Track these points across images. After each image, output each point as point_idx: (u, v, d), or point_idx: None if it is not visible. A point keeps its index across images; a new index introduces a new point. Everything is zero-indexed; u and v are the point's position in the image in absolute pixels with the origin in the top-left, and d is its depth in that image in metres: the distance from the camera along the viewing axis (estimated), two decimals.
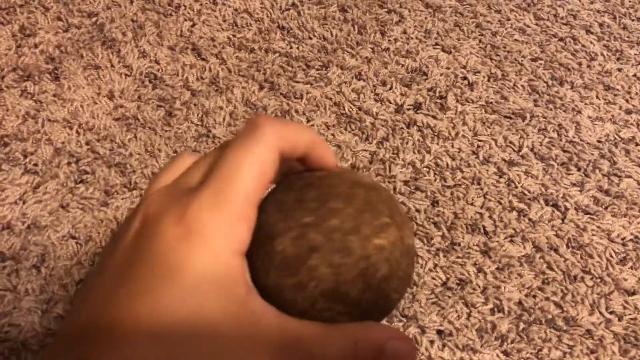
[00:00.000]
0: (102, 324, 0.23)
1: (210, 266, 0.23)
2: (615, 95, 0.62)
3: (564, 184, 0.55)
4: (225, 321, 0.23)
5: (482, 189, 0.55)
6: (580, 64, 0.65)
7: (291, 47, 0.66)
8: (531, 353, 0.47)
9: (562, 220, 0.53)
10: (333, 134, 0.59)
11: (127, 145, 0.58)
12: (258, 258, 0.26)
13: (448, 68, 0.64)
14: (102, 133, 0.59)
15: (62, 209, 0.54)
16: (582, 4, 0.71)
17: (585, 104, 0.61)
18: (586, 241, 0.52)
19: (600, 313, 0.49)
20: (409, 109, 0.61)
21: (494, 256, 0.51)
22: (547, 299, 0.49)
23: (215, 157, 0.27)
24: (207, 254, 0.23)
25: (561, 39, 0.67)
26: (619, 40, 0.67)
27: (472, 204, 0.54)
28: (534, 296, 0.49)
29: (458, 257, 0.51)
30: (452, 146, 0.58)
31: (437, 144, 0.58)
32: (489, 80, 0.63)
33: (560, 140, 0.59)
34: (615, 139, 0.59)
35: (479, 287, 0.50)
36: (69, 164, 0.56)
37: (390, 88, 0.62)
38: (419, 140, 0.58)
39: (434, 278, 0.50)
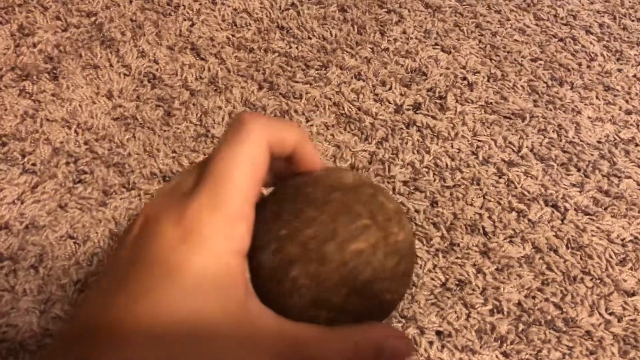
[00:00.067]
0: (102, 324, 0.23)
1: (210, 267, 0.23)
2: (615, 95, 0.62)
3: (564, 184, 0.55)
4: (224, 322, 0.23)
5: (481, 190, 0.55)
6: (580, 64, 0.65)
7: (290, 47, 0.66)
8: (530, 354, 0.47)
9: (562, 221, 0.53)
10: (332, 134, 0.58)
11: (125, 145, 0.57)
12: (250, 266, 0.26)
13: (448, 68, 0.64)
14: (100, 133, 0.58)
15: (61, 209, 0.53)
16: (582, 5, 0.71)
17: (585, 104, 0.61)
18: (586, 242, 0.52)
19: (600, 314, 0.49)
20: (408, 109, 0.61)
21: (494, 257, 0.51)
22: (546, 300, 0.49)
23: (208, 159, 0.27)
24: (206, 254, 0.23)
25: (561, 40, 0.67)
26: (618, 41, 0.67)
27: (471, 205, 0.54)
28: (534, 297, 0.49)
29: (457, 258, 0.51)
30: (452, 146, 0.58)
31: (437, 144, 0.58)
32: (488, 81, 0.63)
33: (560, 140, 0.58)
34: (615, 139, 0.59)
35: (478, 287, 0.50)
36: (67, 163, 0.56)
37: (390, 88, 0.62)
38: (418, 140, 0.58)
39: (433, 279, 0.50)
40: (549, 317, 0.48)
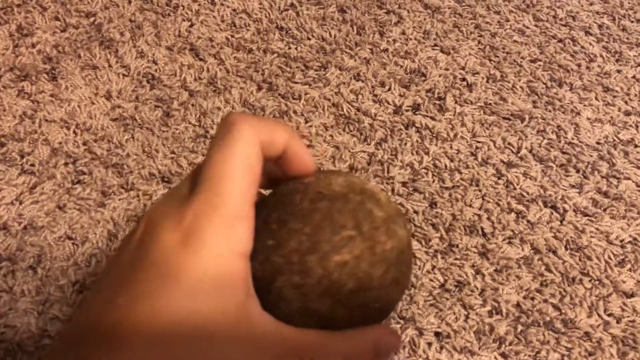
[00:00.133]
0: (102, 326, 0.23)
1: (210, 268, 0.23)
2: (614, 96, 0.62)
3: (563, 185, 0.55)
4: (224, 323, 0.23)
5: (480, 191, 0.55)
6: (579, 65, 0.65)
7: (289, 48, 0.66)
8: (529, 355, 0.47)
9: (561, 222, 0.53)
10: (331, 135, 0.58)
11: (124, 145, 0.57)
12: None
13: (447, 69, 0.64)
14: (99, 133, 0.58)
15: (59, 210, 0.53)
16: (582, 6, 0.71)
17: (584, 105, 0.61)
18: (585, 243, 0.52)
19: (599, 315, 0.49)
20: (407, 110, 0.61)
21: (492, 258, 0.51)
22: (545, 301, 0.49)
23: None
24: (206, 256, 0.23)
25: (560, 40, 0.67)
26: (618, 42, 0.67)
27: (470, 206, 0.54)
28: (532, 298, 0.49)
29: (456, 259, 0.51)
30: (451, 147, 0.58)
31: (436, 145, 0.58)
32: (487, 82, 0.63)
33: (559, 141, 0.58)
34: (614, 140, 0.59)
35: (477, 289, 0.50)
36: (66, 164, 0.56)
37: (389, 89, 0.62)
38: (417, 141, 0.58)
39: (432, 280, 0.50)
40: (548, 318, 0.48)
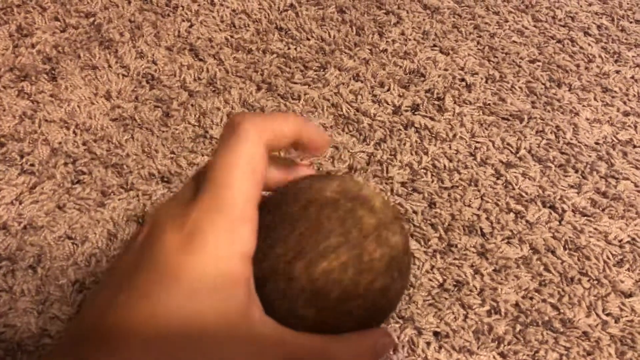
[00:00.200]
0: (102, 327, 0.23)
1: (210, 270, 0.23)
2: (613, 97, 0.62)
3: (562, 185, 0.55)
4: (223, 325, 0.23)
5: (479, 191, 0.55)
6: (578, 65, 0.65)
7: (289, 48, 0.66)
8: (528, 355, 0.47)
9: (560, 222, 0.53)
10: (331, 135, 0.58)
11: (124, 145, 0.58)
12: None
13: (446, 69, 0.64)
14: (99, 133, 0.58)
15: (59, 210, 0.53)
16: (580, 6, 0.71)
17: (583, 105, 0.61)
18: (583, 243, 0.52)
19: (597, 315, 0.49)
20: (406, 111, 0.61)
21: (491, 258, 0.51)
22: (544, 300, 0.49)
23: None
24: (207, 259, 0.23)
25: (559, 41, 0.67)
26: (617, 43, 0.67)
27: (469, 206, 0.54)
28: (531, 298, 0.49)
29: (455, 259, 0.51)
30: (450, 148, 0.58)
31: (435, 145, 0.58)
32: (486, 82, 0.63)
33: (558, 142, 0.59)
34: (613, 141, 0.59)
35: (476, 288, 0.50)
36: (65, 164, 0.56)
37: (388, 89, 0.62)
38: (416, 141, 0.58)
39: (430, 280, 0.50)
40: (547, 318, 0.48)
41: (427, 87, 0.62)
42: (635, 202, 0.55)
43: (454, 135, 0.59)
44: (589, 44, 0.67)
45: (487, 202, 0.54)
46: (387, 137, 0.58)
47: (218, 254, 0.24)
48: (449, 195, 0.55)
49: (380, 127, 0.59)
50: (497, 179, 0.56)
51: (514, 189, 0.55)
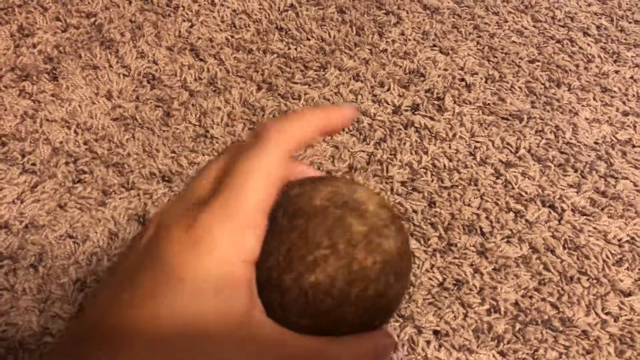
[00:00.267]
0: (104, 326, 0.23)
1: (214, 273, 0.24)
2: (612, 97, 0.63)
3: (561, 185, 0.56)
4: (225, 326, 0.24)
5: (479, 190, 0.55)
6: (577, 66, 0.65)
7: (289, 48, 0.66)
8: (527, 353, 0.47)
9: (559, 221, 0.53)
10: (331, 135, 0.59)
11: (125, 145, 0.58)
12: None
13: (446, 69, 0.64)
14: (100, 133, 0.59)
15: (60, 209, 0.54)
16: (580, 7, 0.71)
17: (583, 105, 0.62)
18: (582, 242, 0.52)
19: (596, 314, 0.49)
20: (406, 110, 0.61)
21: (491, 257, 0.51)
22: (543, 299, 0.49)
23: (224, 164, 0.27)
24: (212, 261, 0.24)
25: (559, 41, 0.67)
26: (616, 43, 0.67)
27: (469, 205, 0.54)
28: (531, 297, 0.49)
29: (455, 258, 0.51)
30: (450, 147, 0.58)
31: (435, 145, 0.58)
32: (486, 82, 0.63)
33: (557, 141, 0.59)
34: (612, 140, 0.59)
35: (476, 287, 0.50)
36: (67, 163, 0.56)
37: (388, 89, 0.62)
38: (416, 141, 0.58)
39: (430, 278, 0.50)
40: (546, 317, 0.48)
41: (427, 87, 0.63)
42: (635, 202, 0.55)
43: (454, 135, 0.59)
44: (588, 44, 0.67)
45: (487, 201, 0.54)
46: (387, 136, 0.59)
47: (222, 257, 0.24)
48: (449, 194, 0.55)
49: (380, 126, 0.59)
50: (497, 178, 0.56)
51: (513, 188, 0.55)
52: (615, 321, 0.49)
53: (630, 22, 0.70)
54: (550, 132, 0.59)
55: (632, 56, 0.66)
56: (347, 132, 0.59)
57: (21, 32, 0.66)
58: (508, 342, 0.47)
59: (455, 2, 0.71)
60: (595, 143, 0.59)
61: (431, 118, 0.60)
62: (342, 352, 0.27)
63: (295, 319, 0.26)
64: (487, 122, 0.60)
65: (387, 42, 0.67)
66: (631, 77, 0.64)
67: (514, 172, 0.56)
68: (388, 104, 0.61)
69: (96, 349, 0.23)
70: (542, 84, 0.63)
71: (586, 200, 0.55)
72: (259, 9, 0.70)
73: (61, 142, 0.58)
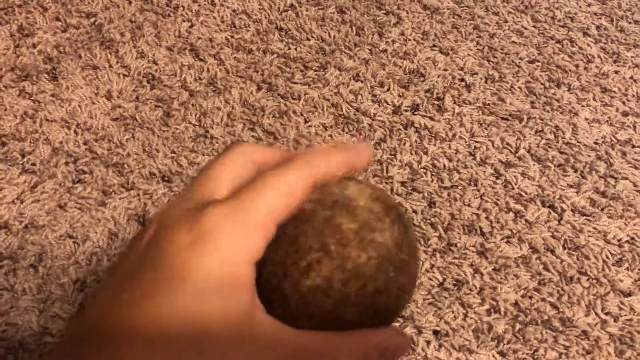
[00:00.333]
0: (105, 326, 0.23)
1: (215, 273, 0.23)
2: (612, 97, 0.63)
3: (561, 185, 0.56)
4: (226, 327, 0.23)
5: (479, 190, 0.55)
6: (577, 66, 0.65)
7: (289, 48, 0.66)
8: (527, 354, 0.47)
9: (559, 221, 0.54)
10: (331, 135, 0.59)
11: (124, 145, 0.58)
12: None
13: (445, 70, 0.64)
14: (100, 133, 0.59)
15: (60, 209, 0.54)
16: (580, 7, 0.71)
17: (582, 106, 0.62)
18: (582, 242, 0.52)
19: (596, 314, 0.49)
20: (406, 111, 0.61)
21: (491, 257, 0.51)
22: (543, 299, 0.49)
23: (235, 165, 0.27)
24: (214, 260, 0.24)
25: (558, 41, 0.67)
26: (615, 43, 0.67)
27: (469, 205, 0.54)
28: (530, 297, 0.49)
29: (455, 258, 0.51)
30: (449, 147, 0.58)
31: (435, 145, 0.58)
32: (486, 82, 0.63)
33: (557, 141, 0.59)
34: (612, 140, 0.59)
35: (476, 287, 0.50)
36: (66, 163, 0.56)
37: (388, 89, 0.62)
38: (416, 141, 0.58)
39: (430, 279, 0.50)
40: (546, 317, 0.48)
41: (426, 87, 0.63)
42: (634, 202, 0.55)
43: (454, 135, 0.59)
44: (588, 45, 0.67)
45: (487, 201, 0.54)
46: (387, 136, 0.59)
47: (225, 256, 0.24)
48: (449, 194, 0.55)
49: (380, 126, 0.59)
50: (497, 178, 0.56)
51: (513, 188, 0.55)
52: (615, 321, 0.49)
53: (630, 23, 0.70)
54: (550, 132, 0.59)
55: (632, 56, 0.66)
56: (347, 133, 0.59)
57: (21, 32, 0.66)
58: (508, 342, 0.47)
59: (455, 2, 0.71)
60: (595, 143, 0.59)
61: (431, 118, 0.60)
62: (346, 347, 0.26)
63: (297, 322, 0.26)
64: (487, 122, 0.60)
65: (387, 42, 0.67)
66: (631, 78, 0.64)
67: (514, 172, 0.56)
68: (388, 104, 0.61)
69: (96, 349, 0.23)
70: (542, 84, 0.63)
71: (586, 200, 0.55)
72: (259, 9, 0.70)
73: (61, 142, 0.58)
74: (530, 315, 0.49)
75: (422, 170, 0.56)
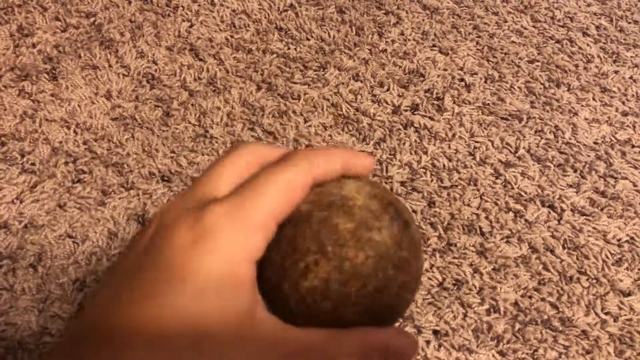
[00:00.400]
0: (104, 327, 0.23)
1: (216, 272, 0.23)
2: (611, 97, 0.63)
3: (560, 185, 0.56)
4: (227, 327, 0.23)
5: (478, 190, 0.55)
6: (577, 66, 0.65)
7: (289, 48, 0.66)
8: (527, 353, 0.47)
9: (558, 221, 0.54)
10: (330, 135, 0.59)
11: (124, 145, 0.58)
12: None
13: (445, 69, 0.64)
14: (99, 133, 0.59)
15: (59, 209, 0.54)
16: (579, 7, 0.71)
17: (582, 105, 0.62)
18: (582, 242, 0.52)
19: (596, 314, 0.49)
20: (406, 110, 0.61)
21: (490, 257, 0.51)
22: (543, 299, 0.49)
23: (238, 169, 0.27)
24: (215, 259, 0.23)
25: (558, 41, 0.67)
26: (615, 43, 0.68)
27: (468, 205, 0.54)
28: (530, 297, 0.49)
29: (454, 258, 0.51)
30: (449, 147, 0.58)
31: (434, 145, 0.58)
32: (486, 82, 0.63)
33: (557, 141, 0.59)
34: (612, 140, 0.59)
35: (475, 287, 0.50)
36: (66, 163, 0.56)
37: (388, 89, 0.62)
38: (416, 141, 0.58)
39: (430, 278, 0.50)
40: (546, 317, 0.48)
41: (426, 87, 0.63)
42: (634, 202, 0.55)
43: (453, 135, 0.59)
44: (588, 44, 0.67)
45: (486, 201, 0.54)
46: (386, 136, 0.59)
47: (225, 255, 0.24)
48: (448, 194, 0.55)
49: (380, 126, 0.59)
50: (496, 178, 0.56)
51: (513, 188, 0.55)
52: (614, 321, 0.49)
53: (629, 23, 0.70)
54: (549, 132, 0.59)
55: (632, 56, 0.66)
56: (346, 132, 0.59)
57: (21, 31, 0.66)
58: (507, 342, 0.47)
59: (455, 2, 0.71)
60: (595, 143, 0.59)
61: (431, 118, 0.60)
62: (345, 344, 0.26)
63: (297, 321, 0.26)
64: (487, 122, 0.60)
65: (386, 42, 0.67)
66: (630, 77, 0.64)
67: (514, 172, 0.56)
68: (387, 104, 0.61)
69: (96, 349, 0.23)
70: (542, 84, 0.63)
71: (585, 200, 0.55)
72: (259, 9, 0.70)
73: (60, 142, 0.58)
74: (530, 315, 0.49)
75: (421, 170, 0.56)
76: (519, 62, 0.65)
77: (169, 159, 0.57)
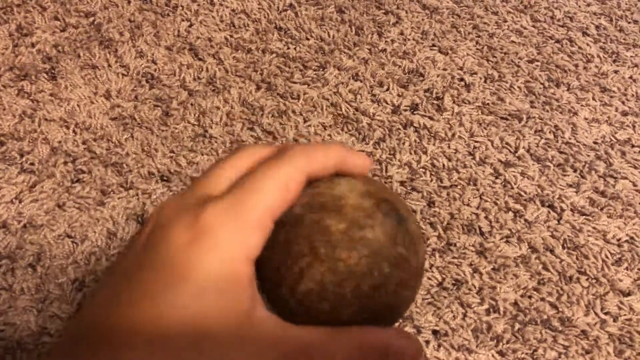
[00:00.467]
0: (103, 327, 0.23)
1: (216, 272, 0.23)
2: (611, 97, 0.63)
3: (560, 185, 0.56)
4: (226, 326, 0.23)
5: (478, 190, 0.55)
6: (576, 65, 0.65)
7: (288, 48, 0.66)
8: (526, 353, 0.47)
9: (558, 221, 0.53)
10: (330, 135, 0.59)
11: (123, 144, 0.58)
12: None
13: (445, 69, 0.64)
14: (98, 132, 0.59)
15: (59, 208, 0.54)
16: (579, 6, 0.71)
17: (582, 105, 0.62)
18: (582, 242, 0.52)
19: (596, 314, 0.49)
20: (405, 110, 0.61)
21: (490, 257, 0.51)
22: (542, 299, 0.49)
23: (236, 167, 0.27)
24: (213, 258, 0.23)
25: (558, 41, 0.67)
26: (615, 43, 0.67)
27: (468, 205, 0.54)
28: (530, 297, 0.49)
29: (454, 258, 0.51)
30: (449, 147, 0.58)
31: (434, 144, 0.58)
32: (485, 82, 0.63)
33: (557, 141, 0.59)
34: (611, 140, 0.59)
35: (475, 287, 0.50)
36: (65, 163, 0.56)
37: (387, 89, 0.62)
38: (415, 141, 0.58)
39: (429, 278, 0.50)
40: (545, 317, 0.48)
41: (426, 87, 0.63)
42: (634, 201, 0.55)
43: (453, 135, 0.59)
44: (588, 44, 0.67)
45: (486, 201, 0.54)
46: (386, 136, 0.59)
47: (225, 254, 0.24)
48: (448, 194, 0.55)
49: (380, 126, 0.59)
50: (496, 178, 0.56)
51: (512, 188, 0.55)
52: (614, 321, 0.49)
53: (629, 22, 0.70)
54: (549, 132, 0.59)
55: (631, 56, 0.66)
56: (346, 132, 0.59)
57: (20, 31, 0.66)
58: (507, 342, 0.47)
59: (455, 2, 0.71)
60: (595, 143, 0.59)
61: (430, 118, 0.60)
62: (346, 343, 0.26)
63: (296, 320, 0.26)
64: (486, 121, 0.60)
65: (386, 41, 0.67)
66: (630, 77, 0.64)
67: (513, 171, 0.56)
68: (387, 103, 0.61)
69: (95, 349, 0.23)
70: (542, 83, 0.63)
71: (585, 200, 0.55)
72: (258, 8, 0.69)
73: (60, 142, 0.58)
74: (530, 314, 0.49)
75: (421, 169, 0.56)
76: (518, 62, 0.65)
77: (168, 159, 0.57)
